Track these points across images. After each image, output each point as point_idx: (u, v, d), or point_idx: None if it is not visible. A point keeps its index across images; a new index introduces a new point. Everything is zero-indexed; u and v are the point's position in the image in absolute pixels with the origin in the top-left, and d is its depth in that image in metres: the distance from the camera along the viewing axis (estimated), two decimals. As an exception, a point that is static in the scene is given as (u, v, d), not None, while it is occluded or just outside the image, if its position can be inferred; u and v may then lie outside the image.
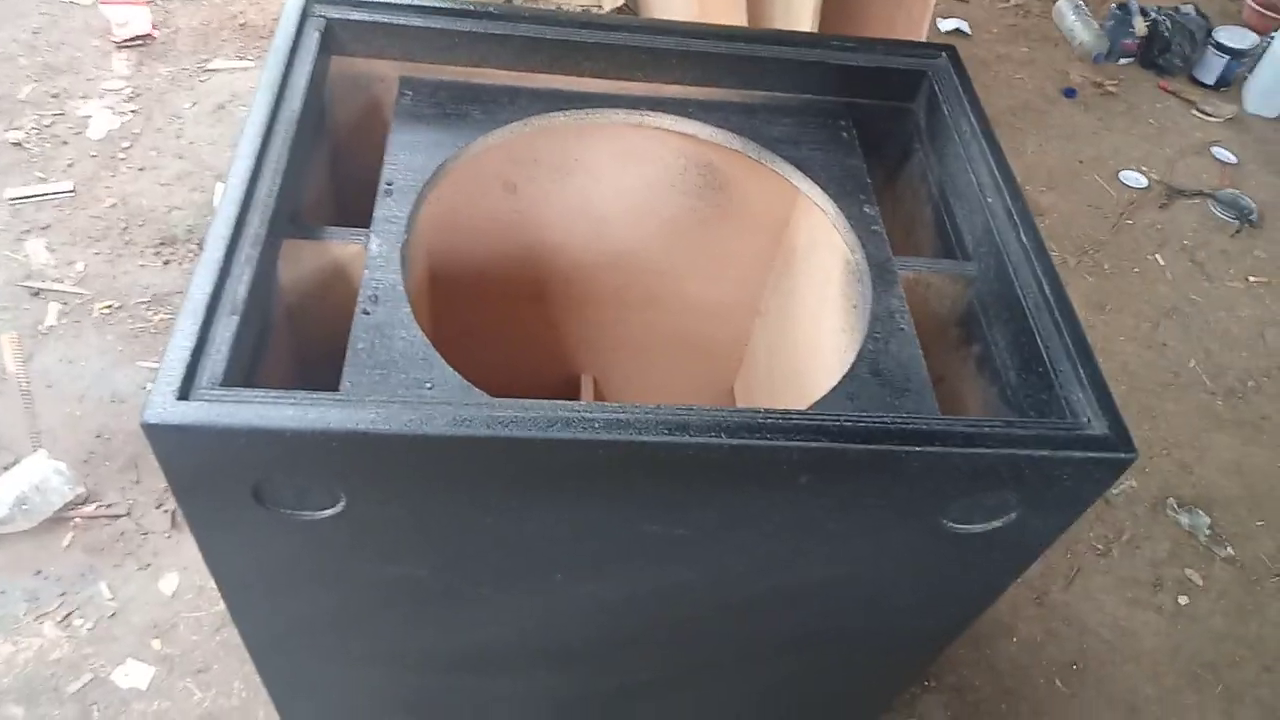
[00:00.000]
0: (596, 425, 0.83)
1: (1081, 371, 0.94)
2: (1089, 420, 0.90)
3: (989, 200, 1.12)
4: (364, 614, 1.09)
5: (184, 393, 0.80)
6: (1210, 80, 3.38)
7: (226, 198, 0.95)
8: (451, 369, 0.95)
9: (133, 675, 1.66)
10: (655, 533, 0.96)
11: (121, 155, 2.50)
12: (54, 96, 2.63)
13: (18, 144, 2.48)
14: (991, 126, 1.20)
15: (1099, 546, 1.98)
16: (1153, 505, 2.08)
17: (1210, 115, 3.28)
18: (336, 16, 1.18)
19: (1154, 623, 1.87)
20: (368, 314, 0.99)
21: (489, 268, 1.55)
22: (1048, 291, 1.02)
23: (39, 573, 1.75)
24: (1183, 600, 1.91)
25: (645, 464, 0.86)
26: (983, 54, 3.40)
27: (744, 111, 1.32)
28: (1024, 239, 1.09)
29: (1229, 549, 2.01)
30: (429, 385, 0.94)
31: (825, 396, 1.00)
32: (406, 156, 1.17)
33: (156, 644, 1.69)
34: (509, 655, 1.23)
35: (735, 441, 0.84)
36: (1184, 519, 2.05)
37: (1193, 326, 2.53)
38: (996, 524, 0.96)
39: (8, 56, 2.72)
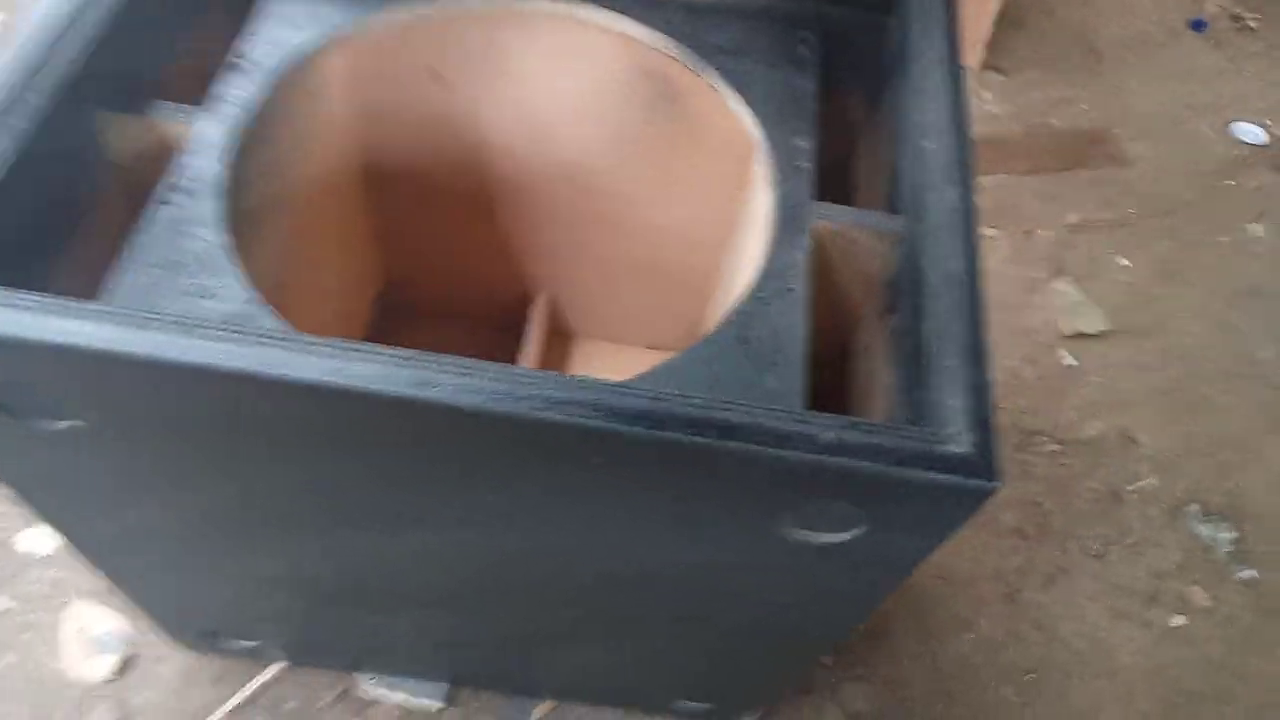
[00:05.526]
0: (393, 365, 0.71)
1: (968, 373, 0.76)
2: (956, 433, 0.72)
3: (927, 144, 0.92)
4: (172, 533, 1.02)
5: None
6: (1371, 25, 2.88)
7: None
8: (246, 284, 0.84)
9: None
10: (470, 499, 0.84)
11: None
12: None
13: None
14: (960, 50, 0.99)
15: (1095, 547, 1.77)
16: (1172, 508, 1.84)
17: (1362, 68, 2.81)
18: None
19: (1138, 639, 1.67)
20: (166, 204, 0.88)
21: (431, 169, 1.43)
22: (962, 268, 0.83)
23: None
24: (1178, 620, 1.70)
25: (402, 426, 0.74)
26: (1101, -30, 2.98)
27: (691, 12, 1.13)
28: (961, 199, 0.89)
29: (1249, 570, 1.77)
30: (212, 296, 0.83)
31: (673, 360, 0.85)
32: (275, 29, 1.04)
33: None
34: (362, 589, 1.15)
35: (502, 410, 0.70)
36: (1204, 529, 1.81)
37: (1275, 313, 2.21)
38: (845, 536, 0.81)
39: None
